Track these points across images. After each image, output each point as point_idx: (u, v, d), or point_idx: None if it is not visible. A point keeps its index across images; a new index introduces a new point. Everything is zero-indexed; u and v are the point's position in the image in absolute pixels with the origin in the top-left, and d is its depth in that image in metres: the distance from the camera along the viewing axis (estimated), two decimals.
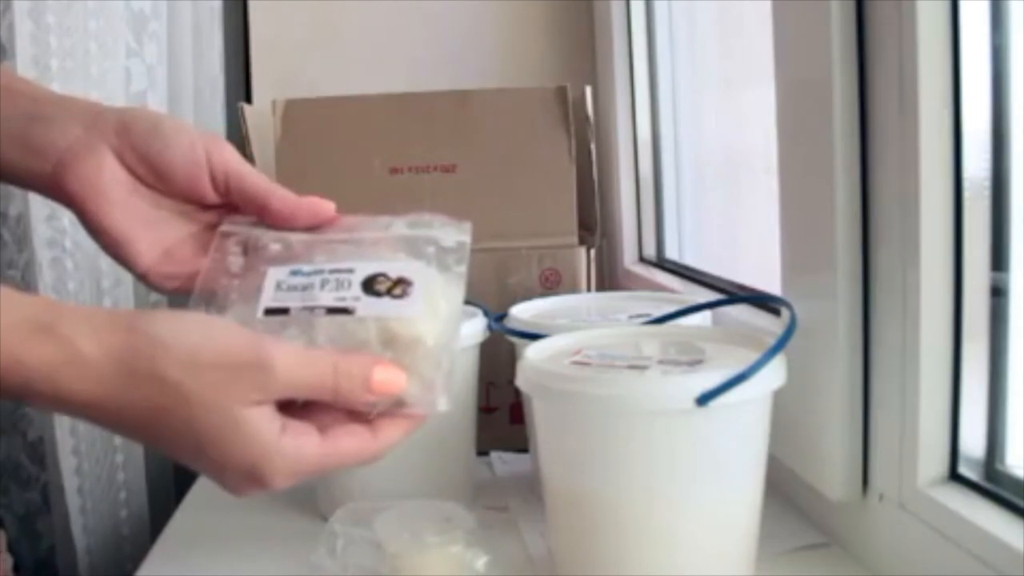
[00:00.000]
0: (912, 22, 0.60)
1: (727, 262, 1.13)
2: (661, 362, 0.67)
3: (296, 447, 0.50)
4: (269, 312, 0.55)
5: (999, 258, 0.61)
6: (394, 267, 0.56)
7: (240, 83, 1.50)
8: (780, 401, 0.66)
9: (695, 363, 0.67)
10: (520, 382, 0.68)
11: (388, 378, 0.52)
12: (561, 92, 1.08)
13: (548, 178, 1.07)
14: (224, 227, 0.60)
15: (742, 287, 1.01)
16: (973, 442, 0.63)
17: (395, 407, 0.53)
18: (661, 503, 0.63)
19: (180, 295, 0.59)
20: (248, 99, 1.48)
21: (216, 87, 1.44)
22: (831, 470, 0.71)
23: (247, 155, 1.12)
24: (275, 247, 0.58)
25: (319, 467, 0.51)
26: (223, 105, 1.45)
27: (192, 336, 0.49)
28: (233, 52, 1.49)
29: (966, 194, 0.61)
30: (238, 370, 0.49)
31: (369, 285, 0.55)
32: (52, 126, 0.58)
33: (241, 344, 0.50)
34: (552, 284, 1.06)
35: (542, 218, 1.07)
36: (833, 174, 0.67)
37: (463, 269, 0.57)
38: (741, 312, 0.91)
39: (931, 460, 0.63)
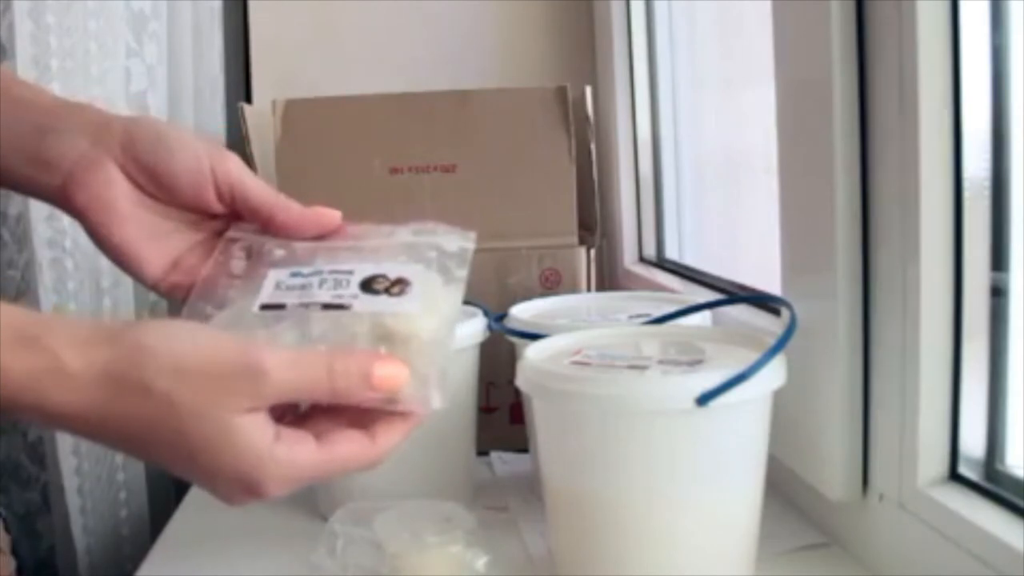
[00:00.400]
0: (912, 22, 0.60)
1: (727, 262, 1.13)
2: (661, 362, 0.67)
3: (290, 454, 0.49)
4: (265, 308, 0.55)
5: (999, 258, 0.61)
6: (394, 268, 0.56)
7: (240, 83, 1.50)
8: (780, 401, 0.66)
9: (695, 363, 0.67)
10: (520, 382, 0.68)
11: (389, 373, 0.51)
12: (561, 92, 1.08)
13: (548, 178, 1.07)
14: (231, 233, 0.61)
15: (742, 287, 1.01)
16: (973, 442, 0.63)
17: (388, 404, 0.52)
18: (661, 503, 0.63)
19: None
20: (248, 99, 1.48)
21: (216, 87, 1.44)
22: (831, 470, 0.71)
23: (247, 155, 1.12)
24: (278, 252, 0.59)
25: (315, 474, 0.51)
26: (223, 105, 1.45)
27: (179, 344, 0.48)
28: (233, 52, 1.49)
29: (966, 194, 0.61)
30: (228, 377, 0.48)
31: (367, 285, 0.55)
32: (60, 139, 0.58)
33: (230, 351, 0.49)
34: (552, 284, 1.06)
35: (542, 218, 1.07)
36: (833, 174, 0.67)
37: (464, 274, 0.56)
38: (741, 312, 0.91)
39: (931, 460, 0.63)
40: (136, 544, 1.24)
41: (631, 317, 0.87)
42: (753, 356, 0.62)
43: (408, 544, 0.68)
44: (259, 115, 1.14)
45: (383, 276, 0.55)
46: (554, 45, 1.48)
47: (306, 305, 0.54)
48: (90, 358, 0.47)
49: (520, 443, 0.95)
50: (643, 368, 0.66)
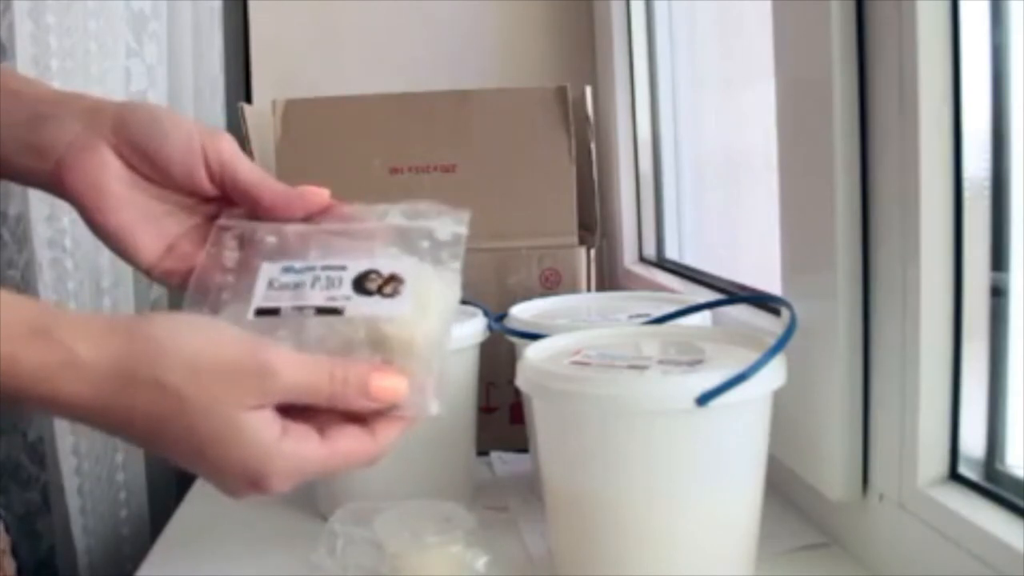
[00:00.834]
0: (912, 22, 0.60)
1: (727, 262, 1.13)
2: (661, 362, 0.67)
3: (297, 450, 0.50)
4: (260, 312, 0.55)
5: (999, 258, 0.61)
6: (386, 264, 0.55)
7: (240, 83, 1.50)
8: (780, 401, 0.66)
9: (695, 363, 0.67)
10: (520, 382, 0.68)
11: (387, 384, 0.52)
12: (561, 92, 1.08)
13: (548, 178, 1.07)
14: (222, 221, 0.60)
15: (742, 287, 1.01)
16: (973, 442, 0.63)
17: (386, 408, 0.52)
18: (661, 503, 0.63)
19: (182, 291, 0.59)
20: (248, 99, 1.48)
21: (216, 87, 1.44)
22: (831, 470, 0.71)
23: (247, 155, 1.12)
24: (270, 240, 0.58)
25: (319, 469, 0.51)
26: (223, 105, 1.45)
27: (191, 341, 0.49)
28: (233, 52, 1.49)
29: (966, 194, 0.61)
30: (238, 375, 0.49)
31: (360, 283, 0.54)
32: (53, 124, 0.58)
33: (241, 349, 0.50)
34: (552, 284, 1.06)
35: (542, 218, 1.07)
36: (833, 174, 0.67)
37: (458, 265, 0.56)
38: (741, 312, 0.91)
39: (931, 460, 0.63)
40: (136, 544, 1.24)
41: (631, 317, 0.87)
42: (753, 356, 0.62)
43: (408, 544, 0.68)
44: (259, 115, 1.14)
45: (376, 273, 0.55)
46: (554, 45, 1.48)
47: (300, 309, 0.54)
48: (103, 351, 0.48)
49: (520, 443, 0.95)
50: (643, 368, 0.66)
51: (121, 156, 0.58)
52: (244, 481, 0.50)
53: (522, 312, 0.89)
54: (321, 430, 0.51)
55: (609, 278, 1.36)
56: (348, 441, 0.52)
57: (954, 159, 0.61)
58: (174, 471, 1.37)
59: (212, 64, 1.43)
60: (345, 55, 1.49)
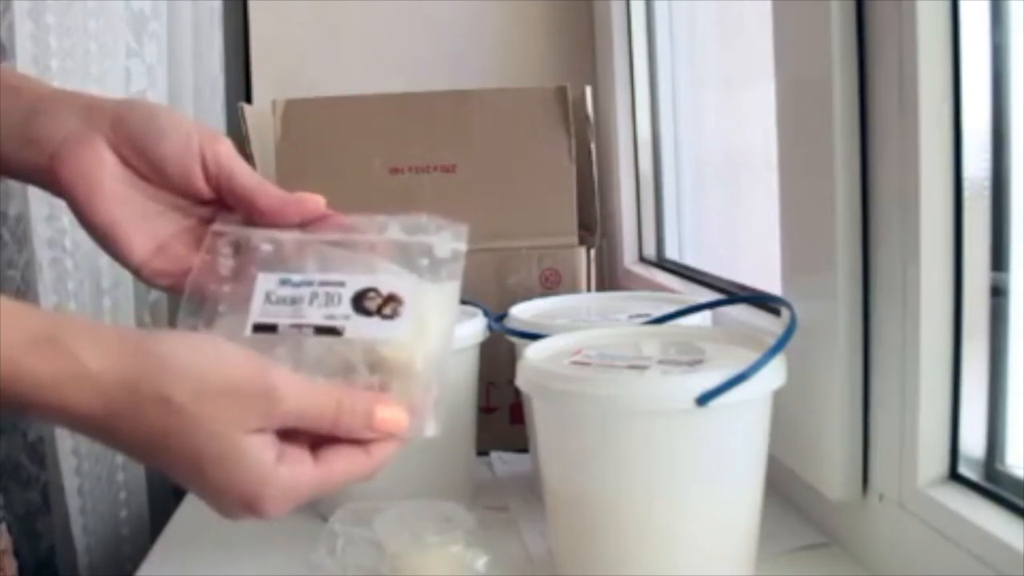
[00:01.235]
0: (912, 22, 0.60)
1: (727, 262, 1.13)
2: (661, 362, 0.67)
3: (292, 476, 0.50)
4: (258, 328, 0.54)
5: (999, 258, 0.61)
6: (385, 281, 0.55)
7: (240, 83, 1.50)
8: (780, 401, 0.66)
9: (695, 363, 0.67)
10: (520, 382, 0.68)
11: (390, 416, 0.52)
12: (561, 92, 1.08)
13: (548, 178, 1.07)
14: (216, 226, 0.59)
15: (742, 287, 1.01)
16: (973, 442, 0.63)
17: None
18: (661, 503, 0.63)
19: (175, 293, 0.59)
20: (248, 99, 1.48)
21: (216, 87, 1.44)
22: (831, 470, 0.71)
23: (247, 155, 1.12)
24: (266, 248, 0.57)
25: (314, 492, 0.51)
26: (223, 105, 1.45)
27: (200, 359, 0.49)
28: (233, 52, 1.49)
29: (966, 194, 0.61)
30: (244, 398, 0.49)
31: (359, 302, 0.54)
32: (50, 118, 0.58)
33: (249, 372, 0.49)
34: (552, 284, 1.06)
35: (542, 218, 1.07)
36: (833, 174, 0.67)
37: (457, 284, 0.56)
38: (741, 312, 0.91)
39: (931, 460, 0.63)
40: (136, 544, 1.24)
41: (631, 317, 0.87)
42: (753, 356, 0.62)
43: (408, 544, 0.68)
44: (259, 115, 1.14)
45: (375, 291, 0.54)
46: (554, 45, 1.48)
47: (299, 327, 0.54)
48: (112, 363, 0.47)
49: (520, 443, 0.96)
50: (643, 368, 0.66)
51: (118, 153, 0.58)
52: (240, 503, 0.50)
53: (522, 312, 0.89)
54: (314, 448, 0.51)
55: (609, 278, 1.36)
56: (343, 463, 0.52)
57: (954, 159, 0.61)
58: None
59: (212, 64, 1.43)
60: (345, 55, 1.49)
